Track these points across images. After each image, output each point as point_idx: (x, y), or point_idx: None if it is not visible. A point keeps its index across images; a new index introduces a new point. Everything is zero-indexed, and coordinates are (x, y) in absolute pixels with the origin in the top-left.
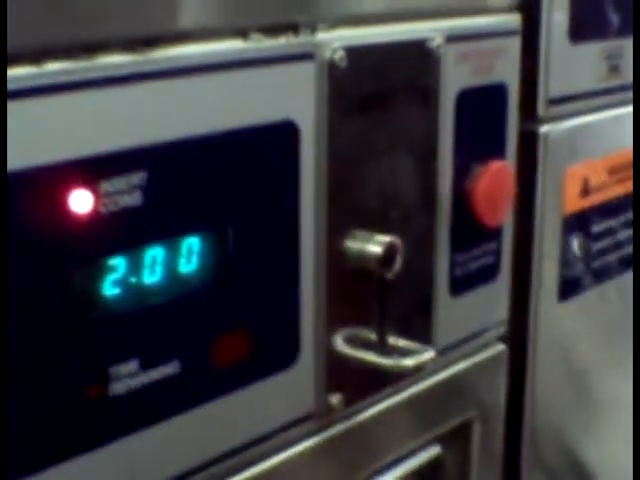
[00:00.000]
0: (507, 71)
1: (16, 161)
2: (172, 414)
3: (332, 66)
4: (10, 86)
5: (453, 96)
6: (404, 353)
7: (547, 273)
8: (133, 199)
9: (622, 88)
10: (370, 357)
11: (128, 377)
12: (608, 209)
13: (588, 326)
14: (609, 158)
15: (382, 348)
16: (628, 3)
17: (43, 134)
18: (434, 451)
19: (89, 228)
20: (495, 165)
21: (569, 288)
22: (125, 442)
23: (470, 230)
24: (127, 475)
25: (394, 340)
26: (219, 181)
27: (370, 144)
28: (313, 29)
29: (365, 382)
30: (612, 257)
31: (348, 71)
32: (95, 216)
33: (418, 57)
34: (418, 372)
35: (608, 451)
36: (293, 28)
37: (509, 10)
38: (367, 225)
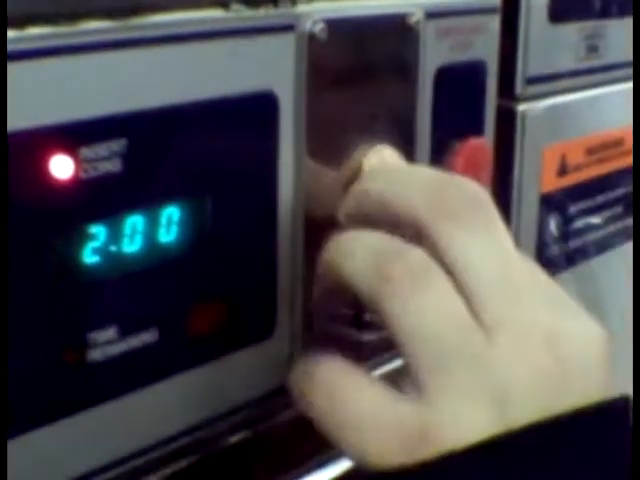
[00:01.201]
0: (486, 48)
1: None
2: (149, 382)
3: (312, 38)
4: None
5: (432, 72)
6: (380, 328)
7: (524, 252)
8: (113, 166)
9: (601, 69)
10: (346, 331)
11: (106, 344)
12: (586, 189)
13: None
14: (587, 138)
15: (359, 322)
16: None
17: (24, 99)
18: None
19: (70, 194)
20: (473, 142)
21: (546, 268)
22: (102, 409)
23: None
24: (104, 442)
25: (371, 315)
26: (198, 150)
27: (348, 117)
28: (293, 1)
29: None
30: (589, 238)
31: (328, 43)
32: (76, 182)
33: (398, 32)
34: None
35: None
36: (273, 0)
37: None
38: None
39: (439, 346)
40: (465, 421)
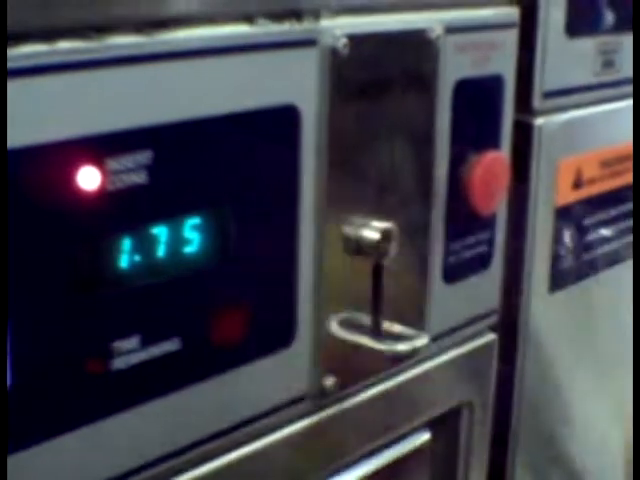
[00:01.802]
0: (504, 63)
1: (26, 138)
2: (170, 391)
3: (334, 53)
4: (21, 63)
5: (451, 86)
6: (398, 338)
7: (538, 264)
8: (139, 177)
9: (617, 83)
10: (364, 341)
11: (129, 353)
12: (600, 202)
13: (578, 318)
14: (602, 152)
15: (376, 333)
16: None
17: (53, 111)
18: (424, 437)
19: (96, 205)
20: (490, 155)
21: (560, 280)
22: (124, 417)
23: (464, 218)
24: (125, 449)
25: (388, 325)
26: (222, 163)
27: (369, 131)
28: (317, 16)
29: (359, 366)
30: (603, 250)
31: (350, 58)
32: (102, 193)
33: (418, 47)
34: (411, 357)
35: (594, 442)
36: (297, 15)
37: (508, 3)
38: (364, 211)
39: None
40: None
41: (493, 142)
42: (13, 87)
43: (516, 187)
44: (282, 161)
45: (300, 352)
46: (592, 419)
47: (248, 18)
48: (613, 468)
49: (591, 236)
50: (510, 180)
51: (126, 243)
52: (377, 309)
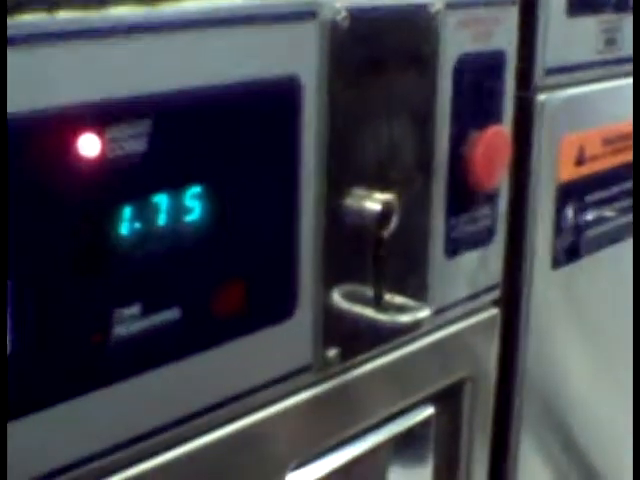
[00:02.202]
0: (505, 39)
1: (27, 104)
2: (171, 360)
3: (334, 26)
4: (23, 31)
5: (452, 62)
6: (400, 310)
7: (541, 240)
8: (139, 145)
9: (618, 61)
10: (367, 312)
11: (130, 320)
12: (602, 179)
13: (579, 295)
14: (604, 129)
15: (379, 304)
16: None
17: (54, 79)
18: (427, 411)
19: (96, 173)
20: (492, 130)
21: (562, 256)
22: (124, 385)
23: (466, 193)
24: (126, 418)
25: (390, 297)
26: (222, 132)
27: (370, 103)
28: None
29: (361, 338)
30: (605, 227)
31: (349, 31)
32: (102, 161)
33: (418, 22)
34: (414, 329)
35: (593, 415)
36: None
37: None
38: (365, 184)
39: None
40: None
41: (495, 117)
42: (15, 55)
43: (518, 163)
44: (284, 132)
45: (302, 323)
46: (593, 394)
47: None
48: (616, 439)
49: (592, 214)
50: (512, 156)
51: (126, 211)
52: (379, 281)
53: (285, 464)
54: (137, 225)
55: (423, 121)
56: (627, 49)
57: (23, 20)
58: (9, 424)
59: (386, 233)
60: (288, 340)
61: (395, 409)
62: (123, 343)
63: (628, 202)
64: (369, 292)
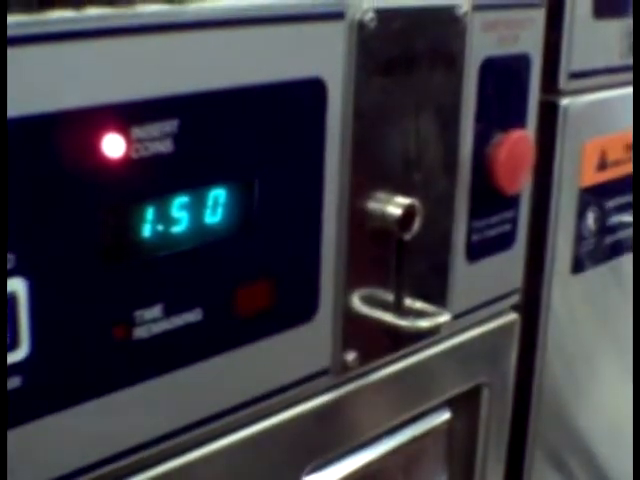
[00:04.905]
0: (531, 42)
1: (52, 103)
2: (192, 361)
3: (361, 27)
4: (49, 29)
5: (477, 64)
6: (420, 315)
7: (562, 245)
8: (164, 146)
9: None
10: (386, 317)
11: (152, 322)
12: (624, 185)
13: (599, 301)
14: (626, 134)
15: (398, 309)
16: None
17: (79, 78)
18: (444, 416)
19: (121, 173)
20: (516, 134)
21: (583, 261)
22: (145, 386)
23: (489, 197)
24: (146, 419)
25: (410, 302)
26: (247, 134)
27: (395, 106)
28: None
29: (380, 342)
30: (626, 233)
31: (377, 33)
32: (127, 161)
33: (445, 23)
34: (433, 334)
35: (614, 427)
36: None
37: None
38: (388, 187)
39: None
40: None
41: (519, 121)
42: (40, 53)
43: (541, 167)
44: (308, 134)
45: (322, 326)
46: (613, 402)
47: None
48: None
49: (613, 219)
50: (535, 160)
51: (150, 212)
52: (399, 285)
53: (301, 467)
54: (160, 226)
55: (448, 124)
56: None
57: (50, 17)
58: (30, 424)
59: (407, 237)
60: (307, 343)
61: (412, 414)
62: (144, 344)
63: None
64: (389, 296)
